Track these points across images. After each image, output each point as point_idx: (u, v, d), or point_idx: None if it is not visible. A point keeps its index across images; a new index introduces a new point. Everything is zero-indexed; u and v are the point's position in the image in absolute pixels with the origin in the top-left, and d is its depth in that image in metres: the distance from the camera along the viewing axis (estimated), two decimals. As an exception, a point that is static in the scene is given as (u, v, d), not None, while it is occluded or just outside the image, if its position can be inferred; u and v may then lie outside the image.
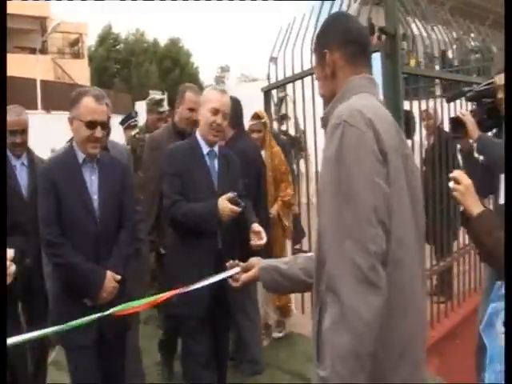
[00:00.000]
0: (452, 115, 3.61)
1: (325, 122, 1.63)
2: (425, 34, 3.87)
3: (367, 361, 1.35)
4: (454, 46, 4.43)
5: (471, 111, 3.20)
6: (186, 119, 3.72)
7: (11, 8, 24.27)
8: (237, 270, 2.23)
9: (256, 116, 4.33)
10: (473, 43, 4.97)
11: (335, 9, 3.81)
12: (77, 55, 29.63)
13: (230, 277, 2.25)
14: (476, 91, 3.20)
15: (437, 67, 4.45)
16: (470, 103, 3.68)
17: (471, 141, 3.08)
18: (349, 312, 1.33)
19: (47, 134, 10.17)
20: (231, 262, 2.26)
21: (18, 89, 18.41)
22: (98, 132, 2.70)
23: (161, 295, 2.23)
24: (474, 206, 1.94)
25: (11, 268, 2.01)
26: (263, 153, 4.25)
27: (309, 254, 2.01)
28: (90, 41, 33.15)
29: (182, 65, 35.67)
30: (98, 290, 2.59)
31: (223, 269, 2.24)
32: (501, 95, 2.99)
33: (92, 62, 31.42)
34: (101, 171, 2.77)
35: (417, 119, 4.15)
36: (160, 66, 34.03)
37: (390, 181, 1.43)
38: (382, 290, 1.35)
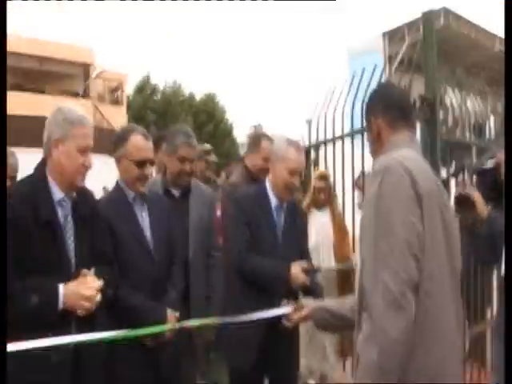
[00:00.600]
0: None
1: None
2: (455, 104, 3.95)
3: (392, 376, 1.51)
4: (491, 117, 4.49)
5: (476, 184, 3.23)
6: (261, 169, 3.64)
7: (57, 52, 25.58)
8: (289, 309, 2.35)
9: (322, 176, 4.32)
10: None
11: (375, 77, 3.93)
12: (116, 102, 30.67)
13: (283, 316, 2.37)
14: (480, 168, 3.25)
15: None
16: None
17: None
18: (378, 330, 1.52)
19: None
20: (284, 301, 2.42)
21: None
22: (147, 170, 2.69)
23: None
24: None
25: (98, 297, 2.11)
26: (326, 214, 4.25)
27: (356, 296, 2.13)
28: (129, 90, 34.32)
29: (217, 120, 36.45)
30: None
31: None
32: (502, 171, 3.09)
33: (130, 110, 32.39)
34: (149, 208, 2.73)
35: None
36: (195, 120, 34.87)
37: (425, 220, 1.59)
38: (409, 313, 1.52)
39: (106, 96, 30.02)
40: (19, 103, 22.54)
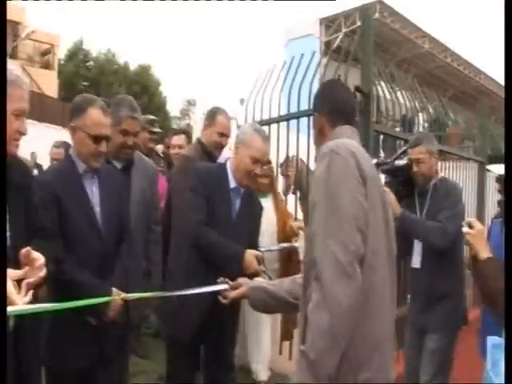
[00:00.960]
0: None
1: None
2: (388, 97, 4.16)
3: (342, 342, 1.62)
4: (420, 114, 4.75)
5: (386, 182, 3.46)
6: (215, 143, 3.59)
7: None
8: (225, 286, 2.40)
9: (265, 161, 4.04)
10: (432, 111, 5.33)
11: (305, 63, 4.06)
12: (46, 66, 29.36)
13: (219, 293, 2.41)
14: (395, 166, 3.51)
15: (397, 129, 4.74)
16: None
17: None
18: (329, 297, 1.61)
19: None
20: (221, 278, 2.44)
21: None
22: (103, 147, 2.56)
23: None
24: (484, 251, 2.21)
25: (43, 272, 1.89)
26: (269, 200, 4.12)
27: (294, 277, 2.28)
28: (61, 54, 32.97)
29: (151, 92, 35.75)
30: (104, 308, 2.42)
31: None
32: (416, 168, 3.42)
33: (60, 76, 31.15)
34: (101, 182, 2.61)
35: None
36: (128, 91, 34.04)
37: (368, 200, 1.73)
38: (357, 282, 1.63)
39: (36, 58, 28.66)
40: None
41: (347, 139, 1.89)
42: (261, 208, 3.21)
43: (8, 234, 1.99)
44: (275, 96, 4.36)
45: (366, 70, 3.31)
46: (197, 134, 4.95)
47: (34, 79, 22.93)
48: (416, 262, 3.47)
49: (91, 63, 36.25)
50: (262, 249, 3.20)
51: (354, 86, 3.24)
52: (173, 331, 2.98)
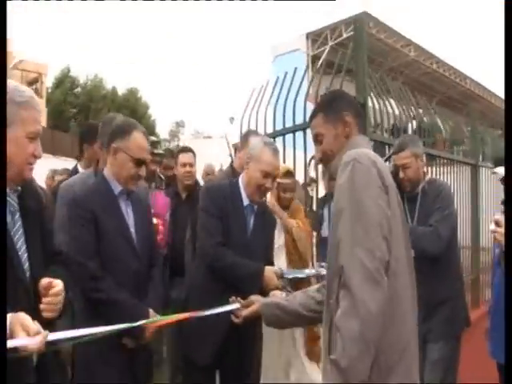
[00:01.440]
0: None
1: (333, 170, 1.95)
2: (377, 106, 4.20)
3: (373, 348, 1.62)
4: (414, 122, 4.77)
5: None
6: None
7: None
8: (237, 305, 2.38)
9: (288, 173, 3.87)
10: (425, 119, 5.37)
11: (297, 79, 4.09)
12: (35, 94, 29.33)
13: (232, 313, 2.39)
14: None
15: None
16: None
17: None
18: (358, 303, 1.61)
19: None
20: (233, 298, 2.43)
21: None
22: (143, 171, 2.59)
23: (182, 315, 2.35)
24: None
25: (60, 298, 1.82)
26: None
27: (306, 290, 2.31)
28: (49, 82, 33.05)
29: (140, 115, 35.89)
30: (142, 329, 2.36)
31: None
32: (402, 174, 3.31)
33: (48, 104, 31.17)
34: (133, 204, 2.64)
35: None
36: (117, 114, 34.11)
37: (390, 208, 1.75)
38: (384, 288, 1.65)
39: (23, 88, 28.72)
40: None
41: (365, 149, 1.90)
42: (274, 222, 3.22)
43: (26, 264, 1.90)
44: (268, 112, 4.37)
45: (360, 81, 3.32)
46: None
47: (22, 109, 22.89)
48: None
49: (79, 90, 36.38)
50: (289, 276, 3.11)
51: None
52: (191, 354, 2.91)
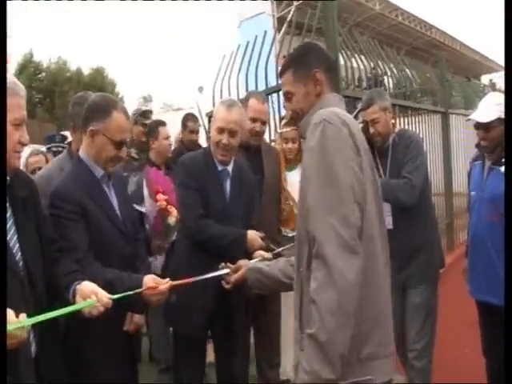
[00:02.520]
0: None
1: (303, 129, 1.89)
2: (352, 64, 4.27)
3: (351, 318, 1.56)
4: (384, 75, 4.86)
5: None
6: (249, 130, 3.39)
7: None
8: (226, 270, 2.45)
9: (288, 122, 3.71)
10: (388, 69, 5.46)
11: (266, 43, 4.12)
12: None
13: (223, 278, 2.45)
14: None
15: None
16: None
17: None
18: (335, 273, 1.54)
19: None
20: (222, 264, 2.47)
21: None
22: (124, 152, 2.49)
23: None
24: None
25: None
26: (296, 173, 3.74)
27: (289, 258, 2.24)
28: (12, 69, 32.17)
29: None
30: (144, 301, 2.27)
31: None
32: (372, 129, 3.35)
33: (13, 91, 30.38)
34: (114, 184, 2.55)
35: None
36: (84, 95, 33.41)
37: (362, 169, 1.70)
38: (360, 255, 1.60)
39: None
40: None
41: (337, 108, 1.83)
42: (252, 181, 3.18)
43: (19, 254, 1.90)
44: (240, 78, 4.41)
45: (330, 39, 3.37)
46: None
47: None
48: (388, 222, 3.29)
49: (43, 74, 35.51)
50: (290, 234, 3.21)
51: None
52: (183, 327, 3.01)
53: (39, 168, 3.87)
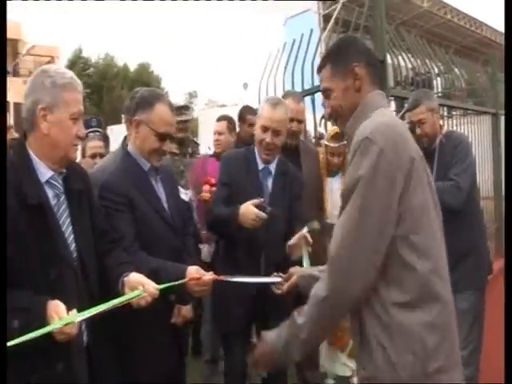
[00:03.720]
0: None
1: (349, 135, 1.81)
2: (402, 63, 4.19)
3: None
4: (432, 74, 4.75)
5: None
6: (287, 131, 3.21)
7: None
8: (278, 279, 2.44)
9: (335, 136, 3.70)
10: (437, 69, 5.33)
11: (305, 44, 4.09)
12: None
13: (273, 284, 2.46)
14: None
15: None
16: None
17: None
18: (330, 293, 1.64)
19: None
20: (275, 274, 2.49)
21: (-8, 111, 18.20)
22: (167, 145, 2.50)
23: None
24: None
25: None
26: (337, 179, 3.84)
27: None
28: (61, 64, 33.09)
29: (153, 89, 35.79)
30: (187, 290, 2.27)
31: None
32: (419, 130, 3.25)
33: (63, 86, 31.23)
34: (162, 177, 2.57)
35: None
36: (131, 91, 34.05)
37: (414, 180, 1.62)
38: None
39: (37, 72, 28.87)
40: None
41: (381, 112, 1.75)
42: (298, 180, 3.10)
43: (73, 245, 1.96)
44: (286, 76, 4.39)
45: (378, 38, 3.31)
46: (201, 125, 4.82)
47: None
48: None
49: (91, 70, 36.42)
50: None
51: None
52: (222, 325, 3.06)
53: (100, 154, 3.78)
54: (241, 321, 2.94)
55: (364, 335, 1.68)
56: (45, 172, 1.92)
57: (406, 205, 1.60)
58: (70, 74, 1.98)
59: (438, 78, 5.08)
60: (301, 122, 3.49)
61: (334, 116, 1.90)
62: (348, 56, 1.82)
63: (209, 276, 2.27)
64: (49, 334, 1.65)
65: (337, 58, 1.85)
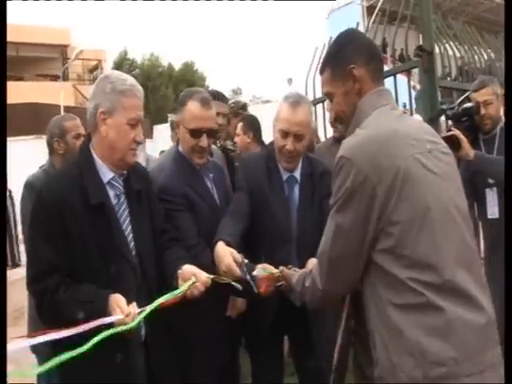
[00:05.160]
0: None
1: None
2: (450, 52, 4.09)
3: None
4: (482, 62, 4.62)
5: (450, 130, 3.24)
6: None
7: (34, 37, 25.03)
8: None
9: None
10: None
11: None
12: (95, 81, 30.16)
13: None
14: (461, 109, 3.35)
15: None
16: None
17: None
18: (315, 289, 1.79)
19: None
20: (289, 267, 2.17)
21: (44, 114, 18.81)
22: (204, 141, 2.44)
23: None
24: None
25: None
26: None
27: None
28: (108, 67, 33.79)
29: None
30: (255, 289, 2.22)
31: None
32: (484, 110, 3.27)
33: (110, 88, 31.90)
34: (214, 178, 2.59)
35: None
36: (175, 90, 34.53)
37: (415, 198, 1.55)
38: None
39: (86, 76, 29.58)
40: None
41: (378, 114, 1.68)
42: (328, 177, 2.57)
43: (132, 243, 2.04)
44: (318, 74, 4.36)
45: (426, 28, 3.25)
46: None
47: (85, 96, 23.66)
48: (494, 212, 3.31)
49: (137, 71, 37.04)
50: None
51: (417, 46, 3.22)
52: (249, 325, 2.73)
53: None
54: (270, 318, 2.61)
55: (371, 334, 1.67)
56: (106, 173, 2.02)
57: (388, 219, 1.54)
58: (131, 80, 2.06)
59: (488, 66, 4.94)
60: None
61: (338, 121, 1.83)
62: (345, 57, 1.74)
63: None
64: (109, 327, 1.73)
65: (335, 60, 1.78)
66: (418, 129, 1.71)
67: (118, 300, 1.83)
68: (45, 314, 1.93)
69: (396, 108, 1.78)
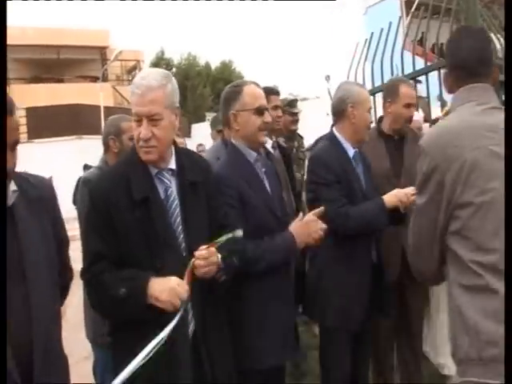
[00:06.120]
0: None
1: None
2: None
3: None
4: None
5: None
6: (405, 118, 3.30)
7: (74, 40, 25.49)
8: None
9: None
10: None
11: (392, 34, 3.95)
12: (134, 81, 30.56)
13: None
14: None
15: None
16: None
17: None
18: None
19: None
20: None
21: (84, 115, 19.21)
22: (268, 117, 2.57)
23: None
24: None
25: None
26: None
27: None
28: (146, 67, 34.22)
29: (235, 86, 36.19)
30: None
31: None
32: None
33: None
34: (266, 172, 2.64)
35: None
36: (213, 89, 34.72)
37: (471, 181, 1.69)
38: None
39: (124, 77, 30.01)
40: (39, 95, 22.66)
41: (459, 112, 1.86)
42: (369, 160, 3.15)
43: (182, 235, 2.07)
44: (366, 68, 4.30)
45: (471, 21, 3.14)
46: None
47: (124, 97, 23.99)
48: None
49: (174, 70, 37.41)
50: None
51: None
52: (340, 323, 2.89)
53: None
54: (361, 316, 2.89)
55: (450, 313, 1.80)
56: (151, 168, 2.09)
57: (456, 204, 1.71)
58: (142, 75, 2.13)
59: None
60: (415, 107, 3.44)
61: None
62: (447, 59, 2.01)
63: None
64: (149, 309, 1.90)
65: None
66: (499, 122, 1.77)
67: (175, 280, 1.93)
68: (93, 298, 2.07)
69: (486, 103, 1.84)
